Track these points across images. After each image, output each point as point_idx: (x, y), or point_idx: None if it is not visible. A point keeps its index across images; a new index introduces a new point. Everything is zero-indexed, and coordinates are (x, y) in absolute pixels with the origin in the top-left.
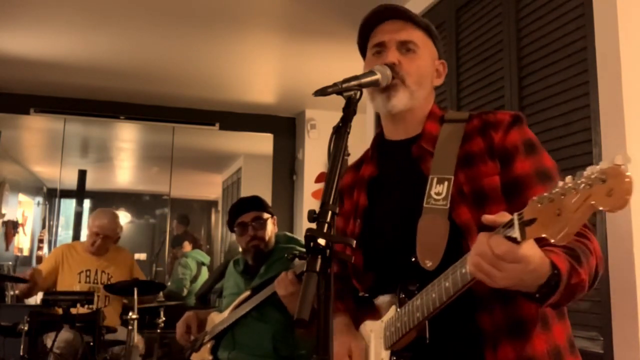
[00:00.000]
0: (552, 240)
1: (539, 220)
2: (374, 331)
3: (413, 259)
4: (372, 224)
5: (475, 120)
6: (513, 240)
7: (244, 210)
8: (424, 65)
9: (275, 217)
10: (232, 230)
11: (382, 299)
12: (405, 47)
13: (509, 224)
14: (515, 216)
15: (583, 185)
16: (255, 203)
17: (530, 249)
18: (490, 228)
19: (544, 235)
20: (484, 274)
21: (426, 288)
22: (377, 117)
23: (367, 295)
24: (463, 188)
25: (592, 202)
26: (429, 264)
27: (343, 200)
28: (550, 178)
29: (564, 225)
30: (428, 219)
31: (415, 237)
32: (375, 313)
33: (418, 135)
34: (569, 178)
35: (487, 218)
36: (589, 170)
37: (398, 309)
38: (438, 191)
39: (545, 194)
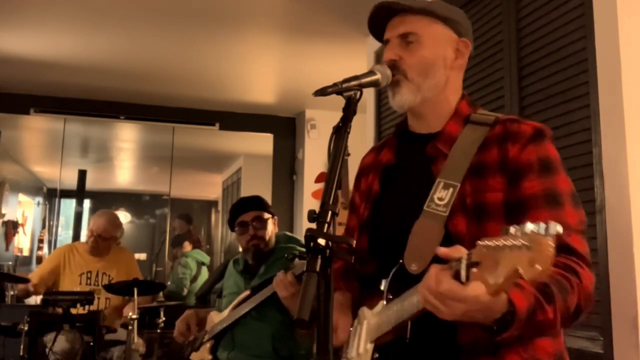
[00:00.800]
0: (488, 293)
1: (482, 265)
2: (366, 319)
3: (400, 261)
4: (379, 213)
5: (498, 127)
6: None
7: (244, 210)
8: (429, 53)
9: (276, 217)
10: (232, 230)
11: (379, 289)
12: (406, 39)
13: (459, 261)
14: (465, 256)
15: (515, 246)
16: (256, 203)
17: (477, 289)
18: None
19: (480, 282)
20: (430, 307)
21: (403, 295)
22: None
23: (370, 280)
24: (466, 199)
25: (518, 268)
26: (414, 268)
27: (361, 179)
28: (560, 203)
29: (498, 278)
30: (424, 223)
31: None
32: (373, 300)
33: (437, 133)
34: (513, 228)
35: (442, 251)
36: (527, 230)
37: (384, 306)
38: (441, 196)
39: (488, 241)
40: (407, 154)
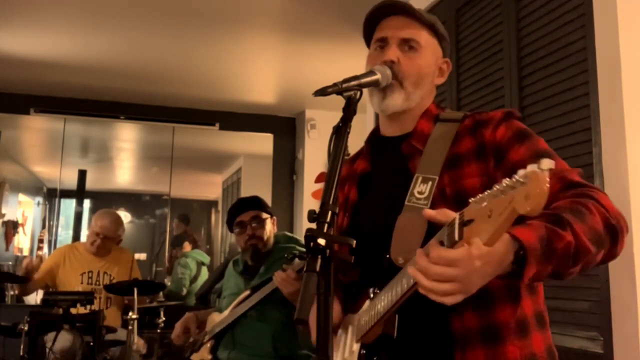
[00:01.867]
0: (482, 243)
1: (476, 221)
2: (351, 323)
3: (387, 256)
4: (359, 218)
5: (468, 121)
6: (454, 242)
7: (243, 210)
8: (425, 65)
9: (274, 217)
10: (231, 230)
11: (363, 295)
12: (407, 45)
13: (452, 224)
14: (457, 216)
15: (509, 187)
16: (254, 203)
17: (467, 248)
18: None
19: (477, 238)
20: (431, 292)
21: (390, 283)
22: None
23: (353, 288)
24: (446, 189)
25: (514, 206)
26: (401, 262)
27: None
28: (550, 156)
29: (492, 228)
30: (407, 217)
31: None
32: (357, 306)
33: (410, 132)
34: (505, 179)
35: (428, 213)
36: (520, 172)
37: (370, 303)
38: (421, 190)
39: (481, 195)
40: (382, 158)
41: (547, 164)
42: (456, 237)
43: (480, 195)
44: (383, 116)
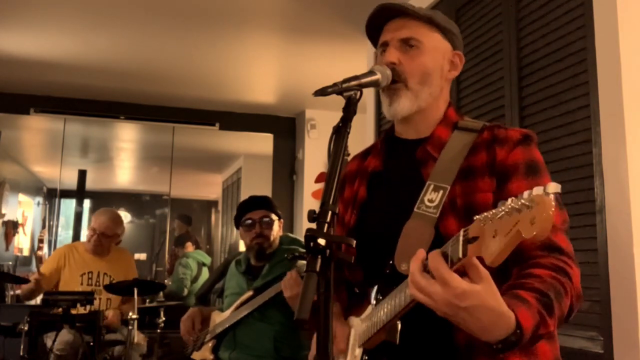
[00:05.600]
0: (487, 262)
1: (480, 239)
2: (354, 327)
3: (391, 262)
4: (366, 218)
5: (486, 133)
6: (458, 258)
7: (253, 208)
8: (429, 61)
9: (282, 220)
10: (237, 226)
11: (366, 296)
12: (407, 44)
13: (456, 240)
14: (461, 232)
15: (515, 209)
16: (265, 202)
17: (473, 287)
18: None
19: (481, 255)
20: (420, 293)
21: (393, 291)
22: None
23: (357, 289)
24: (457, 200)
25: (519, 229)
26: (404, 268)
27: (345, 186)
28: None
29: (497, 248)
30: (414, 224)
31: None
32: (360, 308)
33: (427, 137)
34: (511, 199)
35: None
36: (526, 194)
37: (373, 308)
38: (431, 198)
39: (486, 213)
40: (394, 159)
41: (553, 187)
42: (460, 254)
43: (485, 213)
44: (396, 120)
